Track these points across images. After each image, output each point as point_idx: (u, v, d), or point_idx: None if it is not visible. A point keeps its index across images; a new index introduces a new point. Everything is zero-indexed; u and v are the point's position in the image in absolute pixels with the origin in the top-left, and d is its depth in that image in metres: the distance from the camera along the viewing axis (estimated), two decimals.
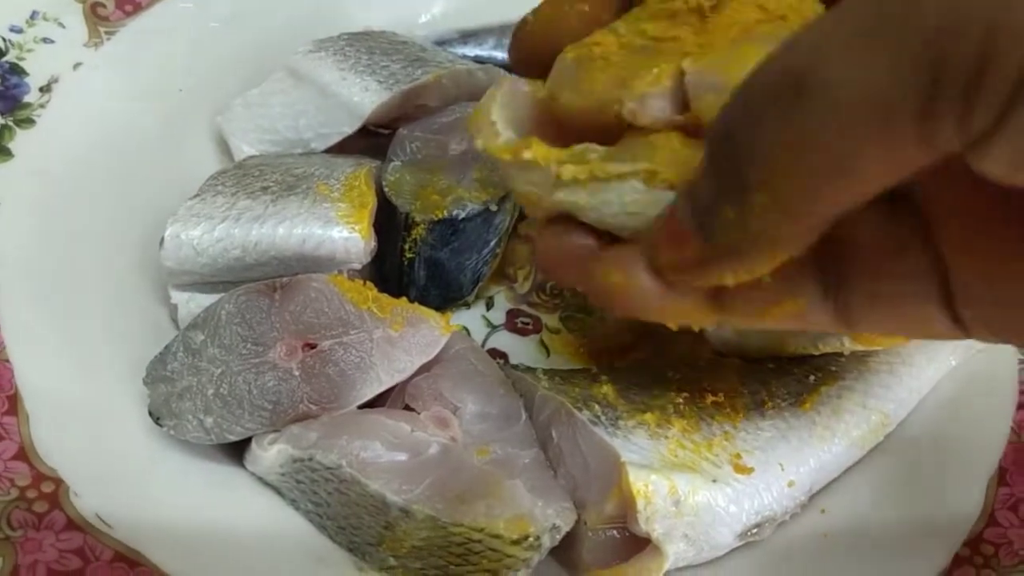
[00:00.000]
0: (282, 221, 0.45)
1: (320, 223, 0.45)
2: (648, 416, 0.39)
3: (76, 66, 0.54)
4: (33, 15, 0.54)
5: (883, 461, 0.42)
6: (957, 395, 0.45)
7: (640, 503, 0.36)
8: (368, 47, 0.54)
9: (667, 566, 0.37)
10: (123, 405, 0.42)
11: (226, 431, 0.39)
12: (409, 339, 0.39)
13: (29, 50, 0.53)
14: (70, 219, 0.49)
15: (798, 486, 0.39)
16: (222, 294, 0.47)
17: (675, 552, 0.36)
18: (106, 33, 0.55)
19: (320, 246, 0.45)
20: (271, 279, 0.42)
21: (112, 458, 0.40)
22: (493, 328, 0.51)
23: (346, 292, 0.39)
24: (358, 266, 0.46)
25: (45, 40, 0.54)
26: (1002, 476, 0.42)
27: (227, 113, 0.55)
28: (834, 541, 0.40)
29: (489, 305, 0.52)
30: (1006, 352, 0.46)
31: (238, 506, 0.40)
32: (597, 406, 0.39)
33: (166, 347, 0.41)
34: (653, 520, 0.36)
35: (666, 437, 0.38)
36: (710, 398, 0.40)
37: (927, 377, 0.44)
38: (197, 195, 0.48)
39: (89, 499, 0.39)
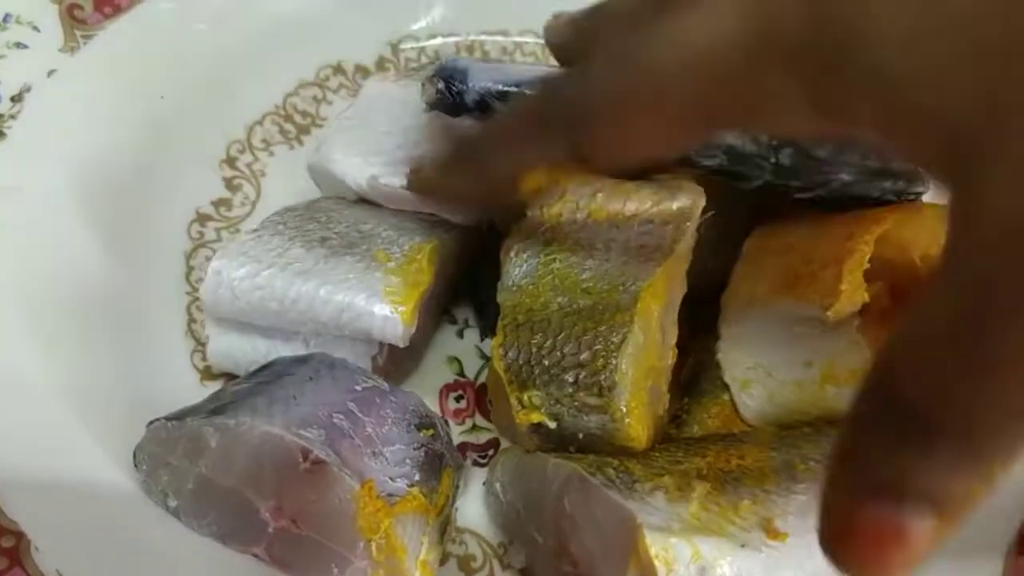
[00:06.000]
0: (326, 283, 0.41)
1: (365, 295, 0.41)
2: (667, 479, 0.35)
3: (50, 73, 0.50)
4: (6, 19, 0.51)
5: None
6: None
7: (661, 570, 0.31)
8: None
9: None
10: (91, 460, 0.39)
11: (183, 518, 0.38)
12: None
13: (1, 57, 0.49)
14: (43, 240, 0.45)
15: None
16: (256, 338, 0.43)
17: None
18: (83, 37, 0.52)
19: (358, 319, 0.41)
20: (307, 444, 0.36)
21: (76, 513, 0.37)
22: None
23: (362, 516, 0.35)
24: (399, 345, 0.42)
25: (18, 45, 0.50)
26: (1021, 545, 0.39)
27: (320, 148, 0.47)
28: None
29: None
30: None
31: (205, 566, 0.38)
32: (611, 470, 0.35)
33: (185, 417, 0.37)
34: None
35: (687, 500, 0.34)
36: (735, 461, 0.36)
37: None
38: (257, 230, 0.44)
39: (50, 555, 0.36)
